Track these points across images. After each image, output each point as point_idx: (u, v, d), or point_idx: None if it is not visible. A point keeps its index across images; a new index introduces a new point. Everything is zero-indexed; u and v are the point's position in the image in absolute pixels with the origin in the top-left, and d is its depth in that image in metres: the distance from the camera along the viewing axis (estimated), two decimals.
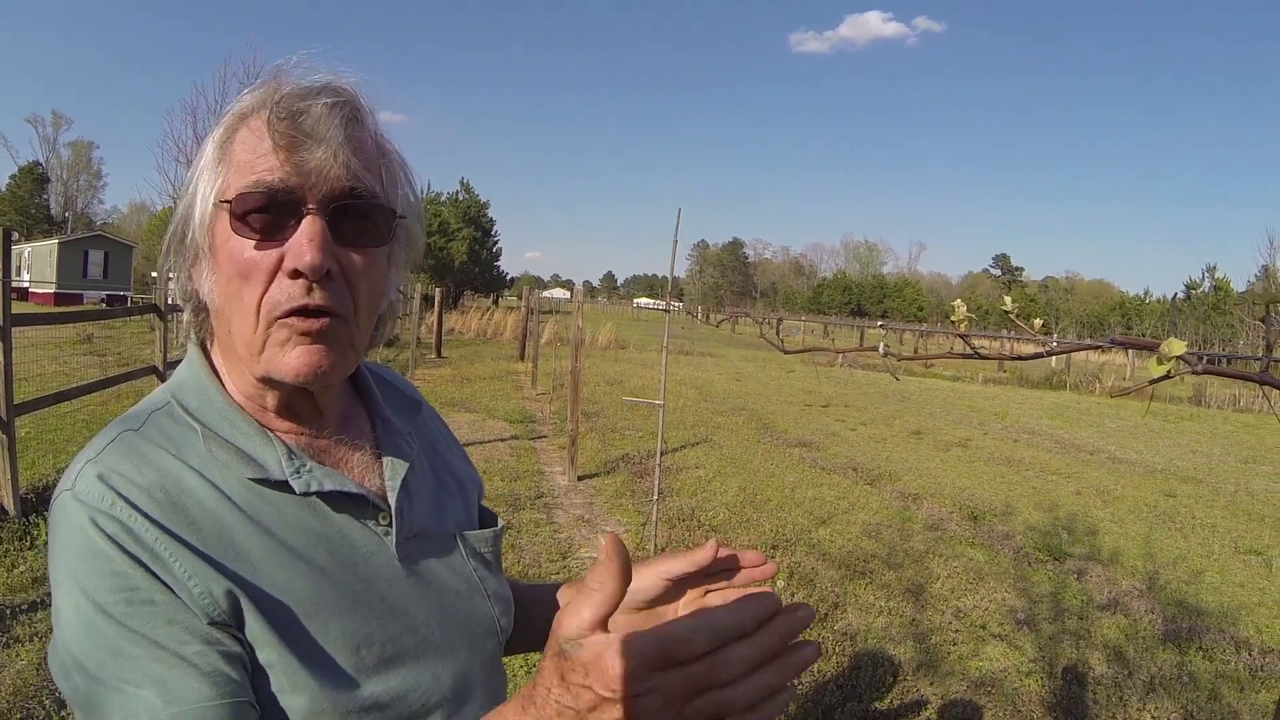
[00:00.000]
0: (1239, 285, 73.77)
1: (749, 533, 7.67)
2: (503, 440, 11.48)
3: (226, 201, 0.95)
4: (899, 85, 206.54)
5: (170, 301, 13.30)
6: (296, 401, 1.06)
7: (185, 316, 1.06)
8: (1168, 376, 1.01)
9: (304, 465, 1.02)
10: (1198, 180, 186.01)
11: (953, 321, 1.51)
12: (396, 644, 1.01)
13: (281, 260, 0.95)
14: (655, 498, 5.65)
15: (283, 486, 1.00)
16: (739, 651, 0.67)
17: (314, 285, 0.95)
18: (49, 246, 48.86)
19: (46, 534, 0.96)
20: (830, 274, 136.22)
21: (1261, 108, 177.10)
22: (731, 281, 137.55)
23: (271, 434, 1.03)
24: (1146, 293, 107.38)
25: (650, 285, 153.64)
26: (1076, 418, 19.83)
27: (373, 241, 1.01)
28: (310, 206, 0.95)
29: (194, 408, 1.01)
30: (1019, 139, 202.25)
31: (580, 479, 9.46)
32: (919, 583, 6.78)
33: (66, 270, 47.52)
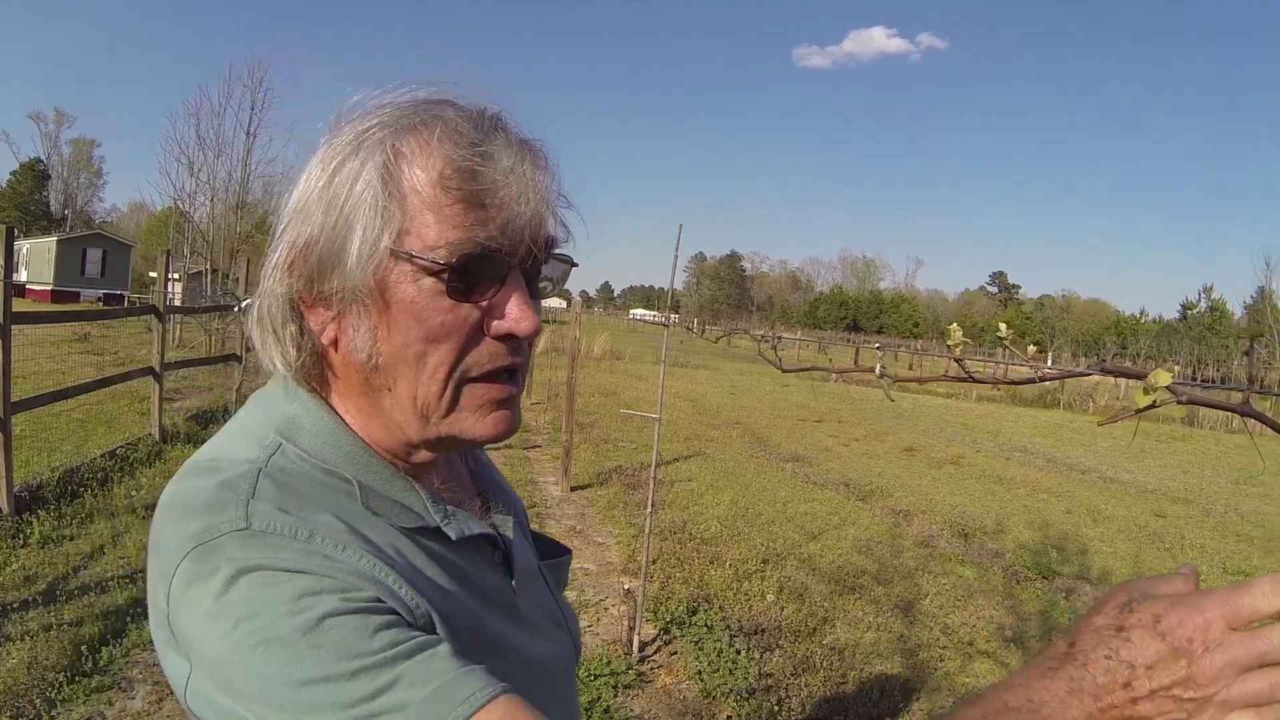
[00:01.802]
0: (1235, 306, 73.90)
1: (740, 546, 7.69)
2: (496, 449, 11.49)
3: (407, 253, 0.86)
4: (901, 101, 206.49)
5: (169, 302, 13.36)
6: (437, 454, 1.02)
7: (274, 353, 0.95)
8: (1154, 406, 1.04)
9: (448, 511, 0.99)
10: (1196, 200, 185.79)
11: (949, 345, 1.54)
12: (524, 665, 0.99)
13: (482, 322, 0.90)
14: (650, 510, 5.66)
15: (435, 534, 0.96)
16: None
17: (520, 346, 0.93)
18: (47, 244, 48.79)
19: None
20: (827, 288, 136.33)
21: (1262, 127, 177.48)
22: (728, 294, 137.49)
23: (413, 482, 0.98)
24: (1143, 312, 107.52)
25: (647, 296, 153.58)
26: (1069, 437, 19.91)
27: (554, 292, 1.00)
28: (514, 264, 0.90)
29: (335, 461, 0.94)
30: (1019, 156, 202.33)
31: (573, 490, 9.48)
32: (909, 599, 6.80)
33: (64, 268, 47.43)
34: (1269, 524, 11.71)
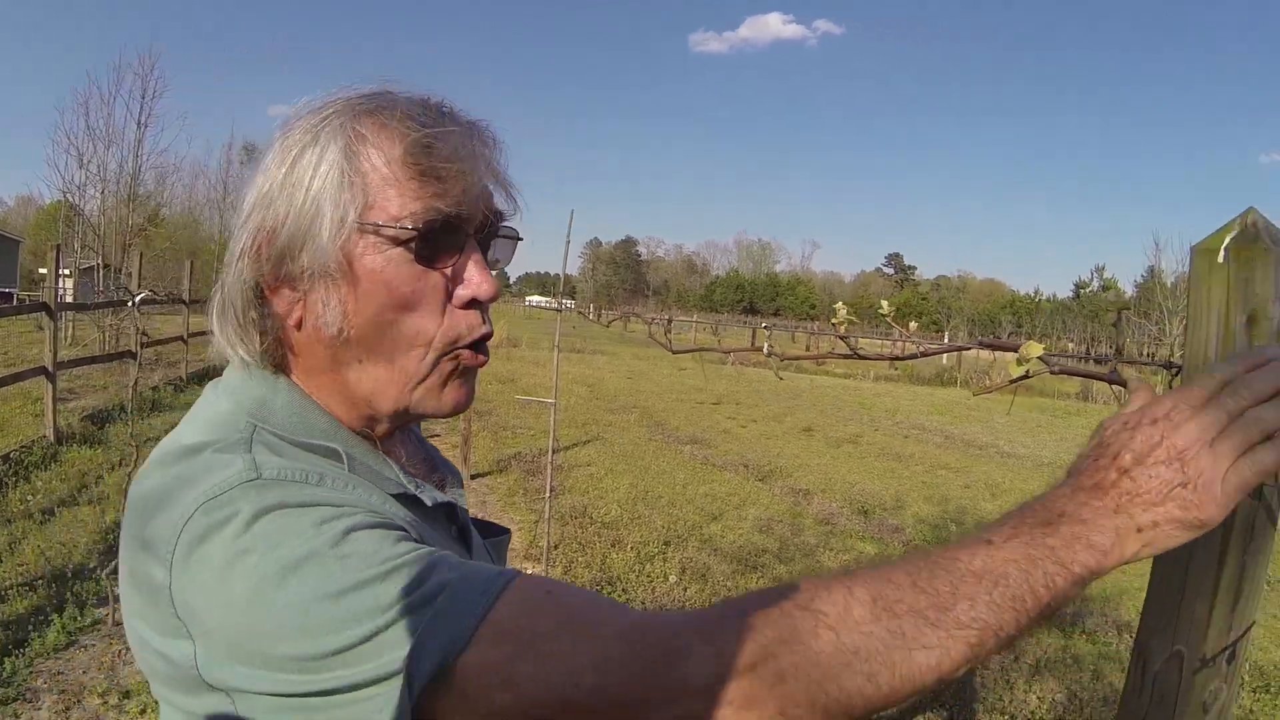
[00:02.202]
0: (1127, 285, 76.08)
1: (641, 529, 7.73)
2: None
3: (374, 224, 0.90)
4: (797, 86, 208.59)
5: (61, 299, 12.95)
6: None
7: (237, 341, 0.96)
8: (1026, 376, 1.07)
9: (417, 481, 1.02)
10: (1089, 182, 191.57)
11: (833, 323, 1.57)
12: None
13: (447, 289, 0.94)
14: (548, 495, 5.67)
15: (412, 501, 0.98)
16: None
17: (485, 315, 0.97)
18: None
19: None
20: (723, 272, 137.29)
21: (1151, 111, 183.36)
22: (624, 279, 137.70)
23: (383, 454, 1.01)
24: (1037, 291, 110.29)
25: (542, 283, 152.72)
26: (965, 413, 20.34)
27: (503, 264, 1.04)
28: (470, 234, 0.95)
29: (314, 436, 0.95)
30: (914, 140, 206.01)
31: (473, 477, 9.43)
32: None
33: None
34: None
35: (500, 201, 0.98)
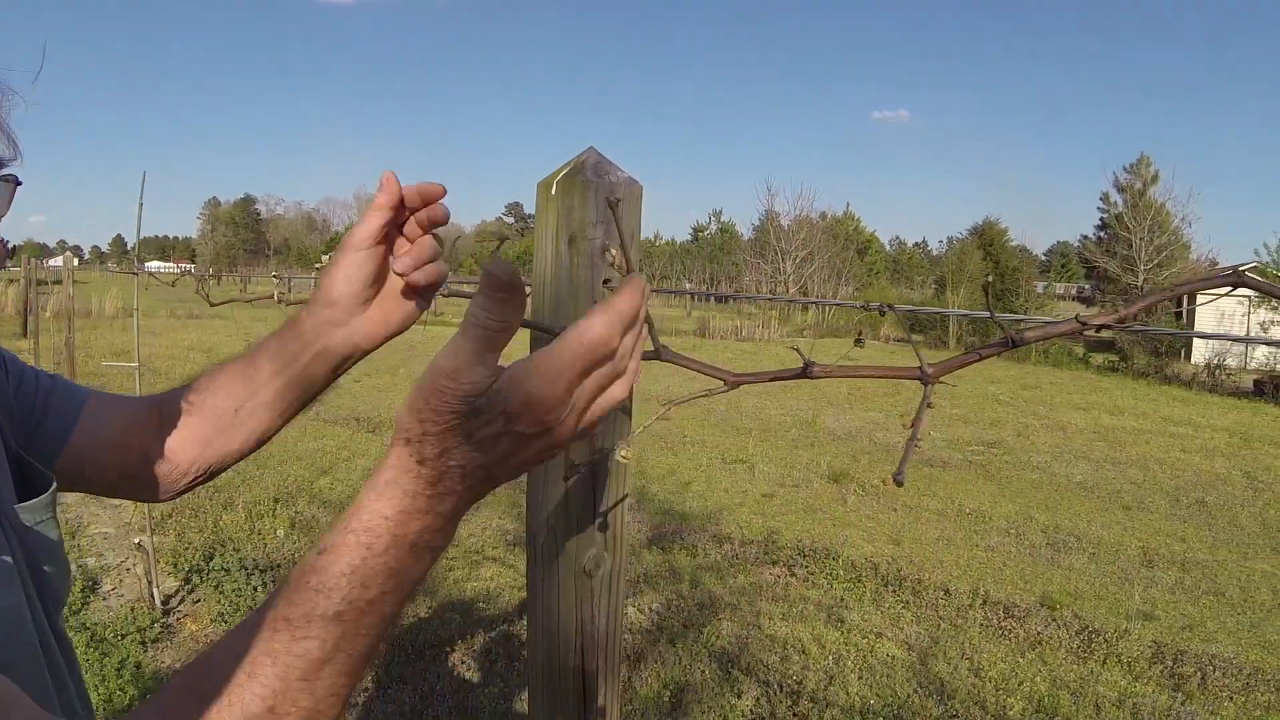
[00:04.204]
0: (745, 230, 79.78)
1: (252, 490, 7.56)
2: None
3: None
4: (419, 37, 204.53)
5: None
6: None
7: None
8: None
9: None
10: (704, 132, 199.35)
11: (316, 268, 1.68)
12: None
13: None
14: None
15: None
16: (630, 340, 0.69)
17: None
18: None
19: None
20: (343, 227, 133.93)
21: (769, 65, 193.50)
22: (244, 240, 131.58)
23: None
24: (656, 235, 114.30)
25: (163, 248, 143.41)
26: None
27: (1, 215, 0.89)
28: None
29: None
30: (535, 94, 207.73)
31: None
32: None
33: None
34: (765, 417, 13.28)
35: None
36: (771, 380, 1.04)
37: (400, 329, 1.07)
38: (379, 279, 1.03)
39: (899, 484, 0.91)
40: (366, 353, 1.07)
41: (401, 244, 1.03)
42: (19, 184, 0.88)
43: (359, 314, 1.03)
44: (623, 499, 1.25)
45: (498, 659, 4.81)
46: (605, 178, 1.14)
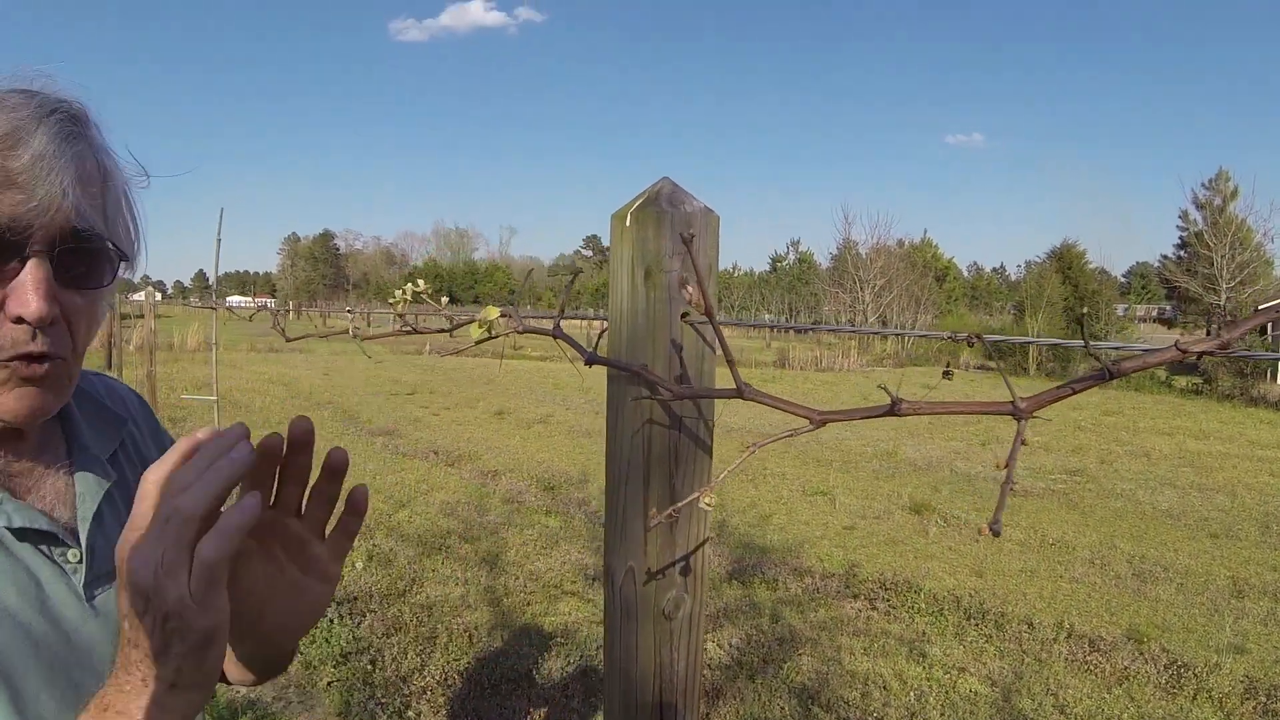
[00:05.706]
0: (822, 258, 79.18)
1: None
2: None
3: None
4: (495, 73, 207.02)
5: None
6: None
7: None
8: (491, 337, 1.20)
9: None
10: (781, 160, 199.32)
11: (390, 303, 1.66)
12: (79, 690, 0.92)
13: (3, 303, 0.87)
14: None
15: None
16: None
17: (38, 331, 0.88)
18: None
19: None
20: (421, 262, 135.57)
21: (842, 91, 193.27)
22: (324, 274, 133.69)
23: None
24: (734, 266, 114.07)
25: (242, 283, 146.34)
26: None
27: (95, 284, 0.95)
28: (36, 248, 0.86)
29: None
30: (612, 126, 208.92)
31: None
32: (494, 552, 7.05)
33: None
34: (846, 448, 13.07)
35: (87, 219, 0.90)
36: (860, 419, 0.99)
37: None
38: (290, 551, 0.96)
39: (995, 534, 0.86)
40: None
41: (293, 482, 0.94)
42: (124, 259, 0.98)
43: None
44: (704, 542, 1.22)
45: (574, 695, 4.76)
46: (680, 208, 1.12)
